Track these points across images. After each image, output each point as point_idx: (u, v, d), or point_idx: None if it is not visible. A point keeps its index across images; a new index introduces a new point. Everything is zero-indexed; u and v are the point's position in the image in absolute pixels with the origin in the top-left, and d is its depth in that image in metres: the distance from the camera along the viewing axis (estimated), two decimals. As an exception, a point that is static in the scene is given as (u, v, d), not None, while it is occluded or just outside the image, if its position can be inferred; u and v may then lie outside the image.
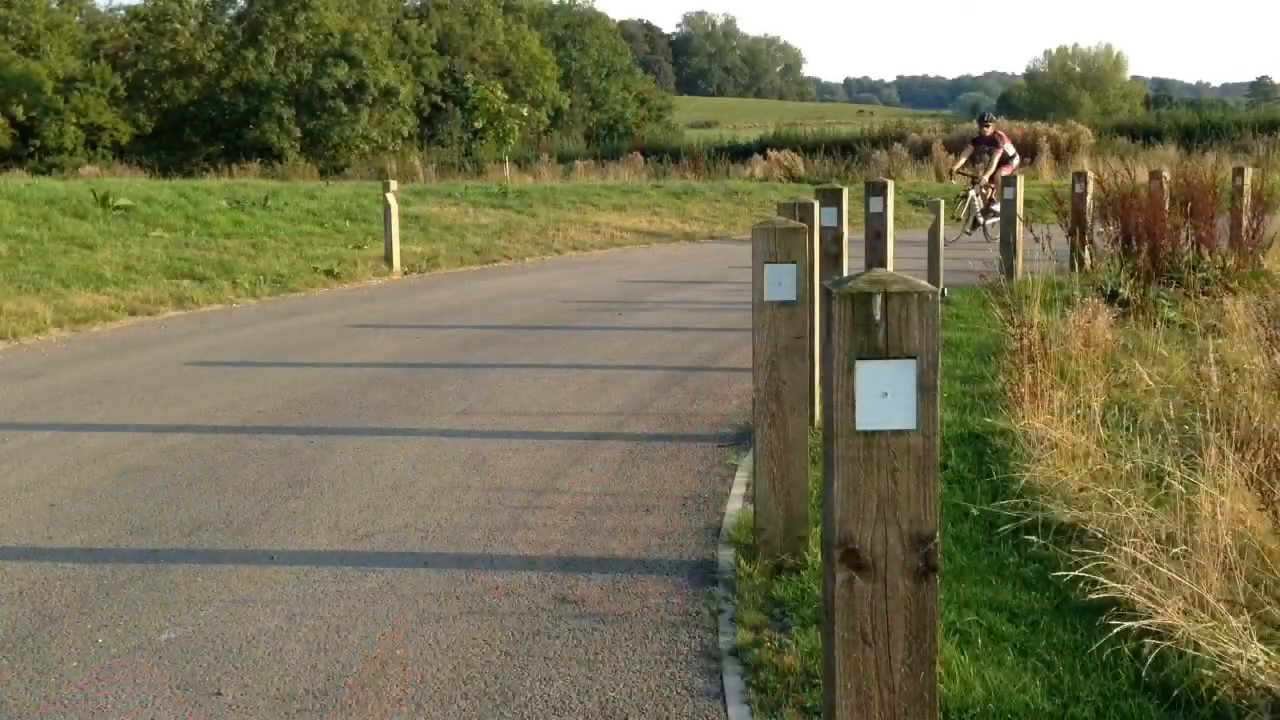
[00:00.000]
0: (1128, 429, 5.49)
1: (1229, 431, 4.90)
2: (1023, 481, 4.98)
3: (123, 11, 52.81)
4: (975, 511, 4.89)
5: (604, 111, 58.50)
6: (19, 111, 42.46)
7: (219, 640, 3.86)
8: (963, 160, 18.71)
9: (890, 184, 8.24)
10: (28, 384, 8.22)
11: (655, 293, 13.17)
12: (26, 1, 45.95)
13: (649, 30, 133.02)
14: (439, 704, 3.40)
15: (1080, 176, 13.42)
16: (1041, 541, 4.40)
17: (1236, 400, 5.48)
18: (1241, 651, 3.22)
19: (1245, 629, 3.32)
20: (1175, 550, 3.84)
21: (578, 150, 42.54)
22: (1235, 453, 4.45)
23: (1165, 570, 3.65)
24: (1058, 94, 74.33)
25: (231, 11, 49.42)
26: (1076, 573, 3.91)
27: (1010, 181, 13.26)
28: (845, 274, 6.50)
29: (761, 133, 48.01)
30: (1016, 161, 17.88)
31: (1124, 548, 3.87)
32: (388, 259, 15.03)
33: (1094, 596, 3.74)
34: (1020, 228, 12.41)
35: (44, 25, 46.20)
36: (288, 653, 3.76)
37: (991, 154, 17.58)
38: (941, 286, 11.39)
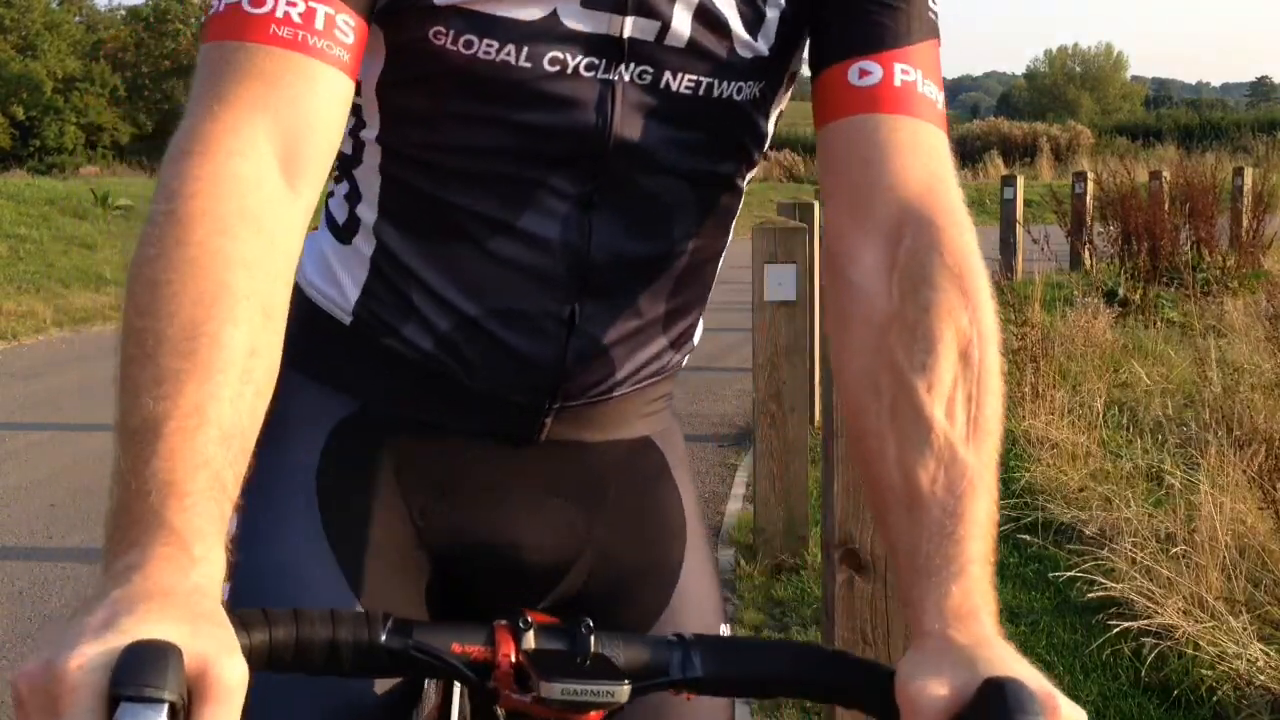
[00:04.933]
0: (1128, 429, 5.49)
1: (1229, 431, 4.91)
2: (1023, 481, 4.98)
3: (123, 11, 52.85)
4: (975, 511, 4.88)
5: (604, 111, 58.59)
6: (19, 111, 42.47)
7: (219, 640, 3.86)
8: None
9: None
10: (28, 384, 8.22)
11: (655, 293, 13.18)
12: (25, 1, 45.97)
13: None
14: (439, 704, 3.40)
15: (1080, 176, 13.43)
16: (1041, 541, 4.40)
17: (1236, 400, 5.48)
18: (1241, 651, 3.22)
19: (1245, 629, 3.32)
20: (1175, 550, 3.84)
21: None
22: (1235, 453, 4.45)
23: (1165, 570, 3.65)
24: (1058, 94, 74.39)
25: (231, 11, 49.42)
26: (1076, 572, 3.91)
27: (1011, 181, 13.21)
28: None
29: (761, 133, 47.99)
30: None
31: (1124, 547, 3.88)
32: (388, 259, 15.05)
33: (1093, 596, 3.74)
34: (1019, 229, 12.42)
35: (43, 25, 46.21)
36: (288, 653, 3.76)
37: None
38: (941, 286, 11.38)
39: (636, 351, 1.12)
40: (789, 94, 1.14)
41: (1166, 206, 10.96)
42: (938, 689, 0.74)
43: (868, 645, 2.17)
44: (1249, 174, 13.43)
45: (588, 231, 1.03)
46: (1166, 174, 12.65)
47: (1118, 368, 7.05)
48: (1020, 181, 13.33)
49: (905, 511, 0.86)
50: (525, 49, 0.97)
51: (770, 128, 1.13)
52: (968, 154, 34.41)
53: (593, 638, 0.84)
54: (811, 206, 6.05)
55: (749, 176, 1.15)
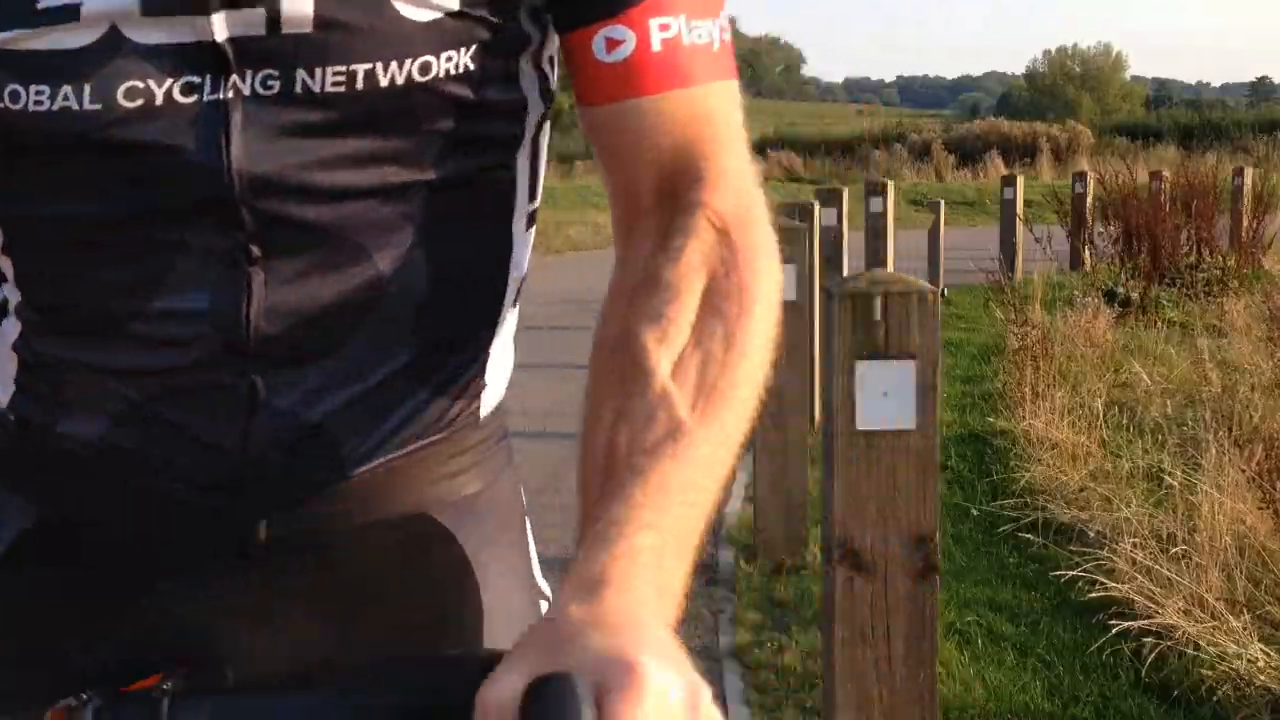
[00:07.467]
0: (1128, 429, 5.49)
1: (1229, 431, 4.91)
2: (1023, 481, 4.98)
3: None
4: (975, 511, 4.89)
5: (604, 111, 58.55)
6: None
7: (219, 640, 3.85)
8: None
9: (890, 184, 8.26)
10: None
11: (655, 293, 13.18)
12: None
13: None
14: (439, 704, 3.40)
15: (1080, 177, 13.44)
16: (1041, 541, 4.40)
17: (1236, 400, 5.49)
18: (1241, 651, 3.22)
19: (1245, 629, 3.32)
20: (1175, 550, 3.84)
21: (578, 150, 42.54)
22: (1235, 453, 4.45)
23: (1165, 570, 3.66)
24: (1057, 94, 74.40)
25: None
26: (1076, 572, 3.91)
27: (1011, 182, 13.24)
28: (845, 274, 6.51)
29: (761, 133, 48.08)
30: None
31: (1124, 547, 3.88)
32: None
33: (1094, 596, 3.74)
34: (1020, 226, 12.42)
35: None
36: (288, 653, 3.76)
37: None
38: (941, 286, 11.41)
39: (380, 416, 0.82)
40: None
41: (1167, 207, 10.97)
42: (500, 689, 0.56)
43: (867, 645, 2.17)
44: (1249, 174, 13.44)
45: (243, 293, 0.77)
46: (1167, 174, 12.65)
47: (1118, 368, 7.05)
48: (1020, 181, 13.33)
49: (601, 480, 0.67)
50: (87, 88, 0.72)
51: (551, 70, 0.84)
52: (968, 154, 34.43)
53: (165, 704, 0.66)
54: (811, 207, 6.05)
55: (539, 139, 0.87)
